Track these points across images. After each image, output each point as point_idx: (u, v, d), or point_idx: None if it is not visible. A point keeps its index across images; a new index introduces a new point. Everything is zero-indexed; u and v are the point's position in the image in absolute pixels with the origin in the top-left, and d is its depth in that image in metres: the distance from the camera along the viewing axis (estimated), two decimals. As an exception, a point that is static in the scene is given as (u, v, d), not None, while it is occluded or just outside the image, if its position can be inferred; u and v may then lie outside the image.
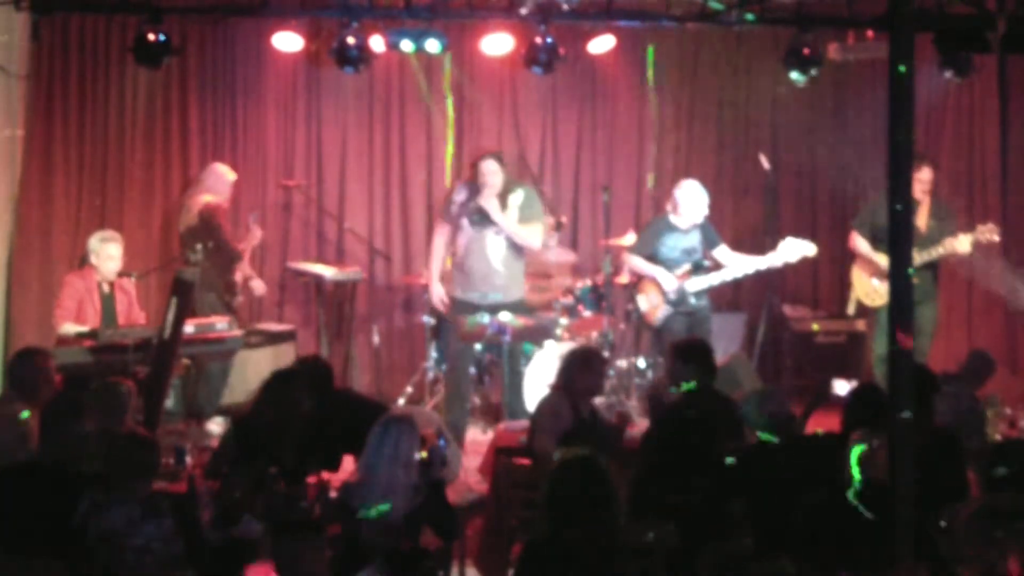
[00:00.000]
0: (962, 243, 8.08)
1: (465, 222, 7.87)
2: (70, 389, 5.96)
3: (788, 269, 9.34)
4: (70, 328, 7.41)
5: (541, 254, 9.13)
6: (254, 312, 9.25)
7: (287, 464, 5.16)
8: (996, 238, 8.12)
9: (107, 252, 7.65)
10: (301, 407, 5.50)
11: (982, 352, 7.20)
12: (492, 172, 7.78)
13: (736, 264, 8.16)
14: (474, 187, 7.88)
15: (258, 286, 8.71)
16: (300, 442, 5.39)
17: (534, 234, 7.89)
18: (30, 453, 5.34)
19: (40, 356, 6.01)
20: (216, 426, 7.86)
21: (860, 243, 8.37)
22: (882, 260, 8.19)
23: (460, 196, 7.95)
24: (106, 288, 7.68)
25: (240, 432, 5.56)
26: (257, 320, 8.99)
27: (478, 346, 8.43)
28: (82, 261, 7.82)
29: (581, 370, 6.06)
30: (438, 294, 8.03)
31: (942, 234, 8.14)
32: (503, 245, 7.84)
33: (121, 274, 7.72)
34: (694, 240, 8.17)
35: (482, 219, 7.82)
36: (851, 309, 8.76)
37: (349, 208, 9.55)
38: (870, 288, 8.36)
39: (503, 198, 7.81)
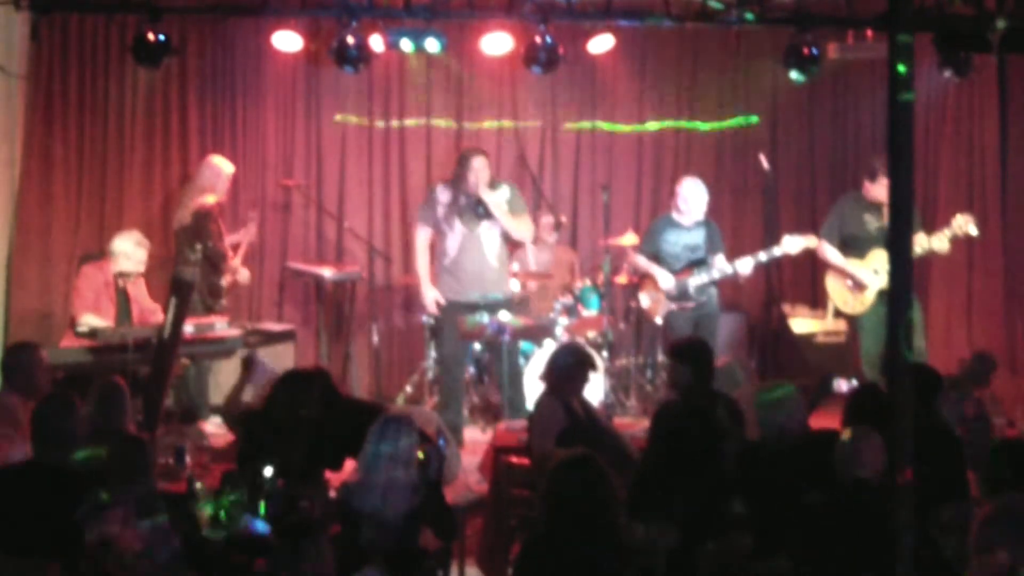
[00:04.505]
0: (940, 241, 7.77)
1: (456, 222, 7.81)
2: (62, 386, 5.93)
3: (788, 269, 9.36)
4: (89, 319, 7.38)
5: (540, 252, 9.14)
6: (254, 312, 9.25)
7: (295, 466, 5.14)
8: (974, 231, 7.80)
9: (138, 257, 7.73)
10: (313, 408, 5.47)
11: (984, 354, 7.11)
12: (483, 167, 7.78)
13: (737, 261, 8.11)
14: (457, 184, 7.84)
15: (243, 276, 8.50)
16: (309, 445, 5.37)
17: (525, 226, 7.94)
18: (27, 453, 5.33)
19: (33, 348, 5.96)
20: (213, 426, 7.85)
21: (830, 252, 8.01)
22: (855, 267, 7.97)
23: (444, 196, 7.88)
24: (121, 283, 7.69)
25: (250, 428, 5.54)
26: (257, 320, 8.97)
27: (477, 345, 8.44)
28: (94, 256, 7.81)
29: (562, 369, 6.01)
30: (432, 297, 7.95)
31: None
32: (497, 241, 7.85)
33: (121, 274, 7.71)
34: (697, 237, 8.16)
35: (479, 214, 7.79)
36: (829, 319, 8.72)
37: (349, 208, 9.55)
38: (847, 296, 8.05)
39: None
